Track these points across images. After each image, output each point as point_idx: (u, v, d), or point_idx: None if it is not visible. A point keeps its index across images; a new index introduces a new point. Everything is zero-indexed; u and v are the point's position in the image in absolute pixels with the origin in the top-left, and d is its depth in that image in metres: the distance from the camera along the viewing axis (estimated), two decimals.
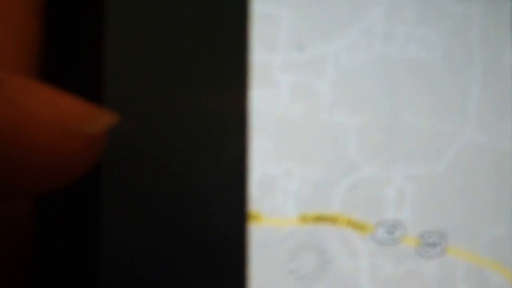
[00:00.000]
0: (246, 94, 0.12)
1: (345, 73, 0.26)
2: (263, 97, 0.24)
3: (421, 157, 0.27)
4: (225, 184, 0.12)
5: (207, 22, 0.12)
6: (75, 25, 0.12)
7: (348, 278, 0.26)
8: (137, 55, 0.11)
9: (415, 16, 0.27)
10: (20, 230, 0.13)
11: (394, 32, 0.26)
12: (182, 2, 0.12)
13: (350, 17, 0.26)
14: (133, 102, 0.11)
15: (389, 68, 0.26)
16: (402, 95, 0.26)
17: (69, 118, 0.10)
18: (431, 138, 0.27)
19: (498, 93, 0.28)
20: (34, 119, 0.10)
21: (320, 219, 0.25)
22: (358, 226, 0.26)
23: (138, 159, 0.11)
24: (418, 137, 0.27)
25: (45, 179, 0.10)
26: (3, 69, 0.11)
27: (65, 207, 0.12)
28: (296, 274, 0.25)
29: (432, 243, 0.27)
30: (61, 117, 0.10)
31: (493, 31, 0.28)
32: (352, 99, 0.26)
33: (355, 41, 0.26)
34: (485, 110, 0.28)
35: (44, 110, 0.10)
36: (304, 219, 0.25)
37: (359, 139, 0.26)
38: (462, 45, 0.27)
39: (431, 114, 0.27)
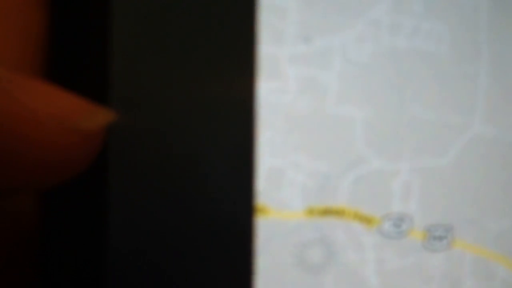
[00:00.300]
0: (254, 86, 0.12)
1: (352, 65, 0.25)
2: (270, 90, 0.24)
3: (428, 150, 0.27)
4: (232, 176, 0.12)
5: (215, 13, 0.12)
6: (80, 18, 0.12)
7: (354, 271, 0.26)
8: (144, 45, 0.11)
9: (423, 8, 0.26)
10: (25, 224, 0.13)
11: (401, 24, 0.26)
12: None
13: (357, 9, 0.25)
14: (140, 92, 0.11)
15: (396, 61, 0.26)
16: (409, 87, 0.26)
17: (66, 113, 0.10)
18: (438, 131, 0.27)
19: (506, 86, 0.28)
20: (30, 112, 0.10)
21: (326, 212, 0.25)
22: (364, 219, 0.26)
23: (145, 151, 0.11)
24: (425, 129, 0.27)
25: (42, 174, 0.10)
26: (4, 66, 0.11)
27: (70, 198, 0.12)
28: (303, 266, 0.25)
29: (438, 236, 0.27)
30: (58, 112, 0.10)
31: (501, 23, 0.28)
32: (359, 92, 0.26)
33: (362, 33, 0.26)
34: (493, 103, 0.28)
35: (40, 105, 0.10)
36: (311, 212, 0.25)
37: (366, 131, 0.26)
38: (469, 37, 0.27)
39: (438, 107, 0.27)
